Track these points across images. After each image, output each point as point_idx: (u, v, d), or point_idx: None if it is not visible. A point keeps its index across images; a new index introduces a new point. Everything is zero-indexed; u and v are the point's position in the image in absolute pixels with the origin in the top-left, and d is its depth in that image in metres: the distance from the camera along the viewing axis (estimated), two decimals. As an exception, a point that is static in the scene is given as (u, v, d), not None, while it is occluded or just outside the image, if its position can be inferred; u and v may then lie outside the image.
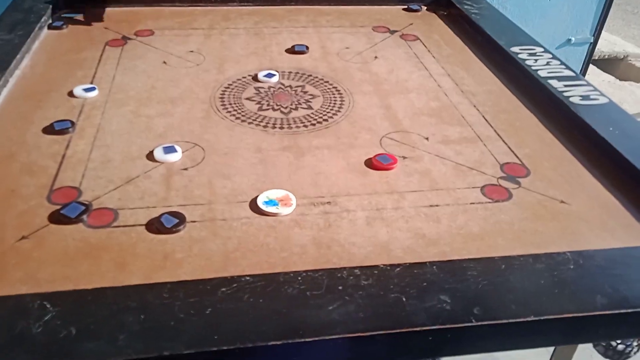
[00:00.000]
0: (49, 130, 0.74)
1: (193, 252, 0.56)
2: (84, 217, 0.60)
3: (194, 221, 0.60)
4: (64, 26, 1.03)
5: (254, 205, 0.63)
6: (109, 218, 0.60)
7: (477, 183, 0.68)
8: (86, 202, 0.62)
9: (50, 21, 1.04)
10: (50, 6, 1.06)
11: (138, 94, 0.84)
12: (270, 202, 0.63)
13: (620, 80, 3.34)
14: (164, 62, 0.95)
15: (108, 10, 1.12)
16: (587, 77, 2.76)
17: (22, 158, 0.69)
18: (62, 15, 1.08)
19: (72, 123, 0.75)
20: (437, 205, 0.64)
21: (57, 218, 0.59)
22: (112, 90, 0.85)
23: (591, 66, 2.92)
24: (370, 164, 0.71)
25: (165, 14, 1.12)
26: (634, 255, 0.55)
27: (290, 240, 0.58)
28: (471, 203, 0.65)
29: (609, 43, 3.73)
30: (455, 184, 0.68)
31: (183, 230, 0.59)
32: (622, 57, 3.64)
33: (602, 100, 0.82)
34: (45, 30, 1.01)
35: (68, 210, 0.60)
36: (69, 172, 0.67)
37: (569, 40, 2.71)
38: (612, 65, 3.61)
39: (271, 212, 0.61)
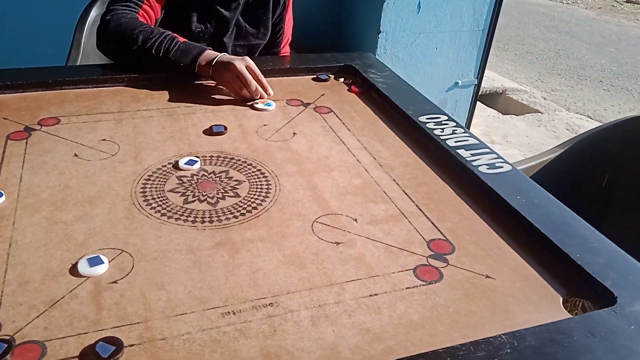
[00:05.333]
0: (-47, 251, 0.67)
1: (137, 383, 0.53)
2: (8, 357, 0.54)
3: (132, 345, 0.57)
4: (-44, 120, 0.95)
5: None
6: (36, 354, 0.55)
7: (409, 265, 0.71)
8: (7, 338, 0.57)
9: (-62, 115, 0.95)
10: (-63, 98, 0.97)
11: (51, 196, 0.79)
12: None
13: (503, 114, 3.67)
14: (75, 155, 0.90)
15: (5, 97, 1.05)
16: (474, 113, 3.00)
17: None
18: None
19: (-21, 240, 0.69)
20: (376, 294, 0.66)
21: (-25, 363, 0.53)
22: (21, 193, 0.79)
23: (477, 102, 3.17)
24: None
25: (69, 98, 1.07)
26: (559, 331, 0.60)
27: (238, 353, 0.57)
28: (407, 288, 0.67)
29: (489, 79, 4.09)
30: (389, 268, 0.70)
31: (121, 357, 0.55)
32: (501, 91, 4.01)
33: (506, 167, 0.90)
34: None
35: (-12, 352, 0.54)
36: (-17, 301, 0.61)
37: (457, 83, 2.95)
38: (493, 99, 3.95)
39: None
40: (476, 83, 3.01)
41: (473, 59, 2.91)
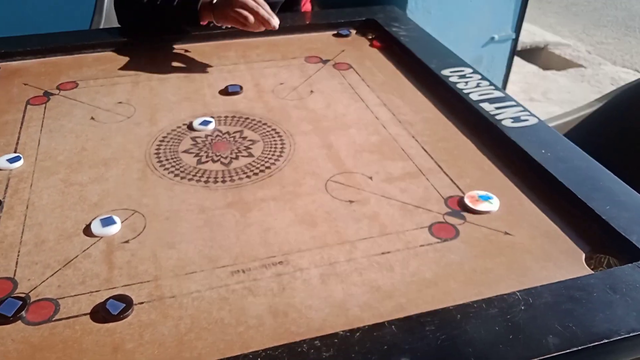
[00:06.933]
0: (-27, 213, 0.69)
1: (144, 339, 0.54)
2: (23, 313, 0.56)
3: (142, 302, 0.58)
4: (-22, 87, 0.97)
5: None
6: (49, 311, 0.57)
7: (424, 222, 0.69)
8: (23, 295, 0.58)
9: (-38, 82, 0.97)
10: (-39, 66, 0.99)
11: (67, 159, 0.80)
12: None
13: (544, 69, 3.51)
14: (92, 118, 0.90)
15: (26, 63, 1.06)
16: (512, 69, 2.88)
17: (-55, 250, 0.64)
18: (-25, 74, 1.01)
19: (-1, 202, 0.71)
20: (388, 252, 0.64)
21: (-9, 318, 0.55)
22: (39, 157, 0.80)
23: (515, 58, 3.04)
24: (317, 213, 0.70)
25: (88, 62, 1.07)
26: (577, 287, 0.57)
27: (246, 311, 0.57)
28: (421, 245, 0.65)
29: (529, 33, 3.90)
30: (403, 226, 0.68)
31: (131, 314, 0.56)
32: (543, 46, 3.82)
33: (532, 120, 0.85)
34: (-42, 93, 0.95)
35: (4, 308, 0.56)
36: (1, 260, 0.63)
37: (493, 38, 2.82)
38: (534, 55, 3.77)
39: None
40: (514, 37, 2.87)
41: (510, 11, 2.77)
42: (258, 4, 1.01)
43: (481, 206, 0.71)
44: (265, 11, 1.01)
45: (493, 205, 0.71)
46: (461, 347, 0.50)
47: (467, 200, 0.71)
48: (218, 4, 1.04)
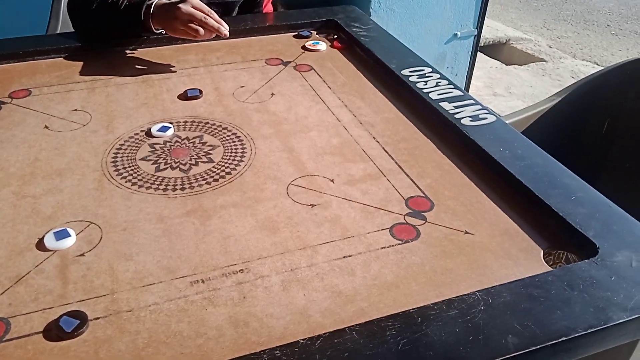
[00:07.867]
0: None
1: (100, 356, 0.52)
2: (-30, 335, 0.54)
3: (97, 318, 0.56)
4: None
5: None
6: (-1, 331, 0.55)
7: (385, 224, 0.69)
8: (-30, 316, 0.56)
9: None
10: None
11: (20, 170, 0.77)
12: None
13: (506, 64, 3.57)
14: (46, 127, 0.87)
15: (-26, 71, 1.02)
16: (475, 65, 2.92)
17: None
18: None
19: (-56, 218, 0.68)
20: (350, 256, 0.64)
21: (-64, 342, 0.53)
22: (-11, 169, 0.77)
23: (478, 54, 3.08)
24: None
25: (41, 69, 1.04)
26: (535, 285, 0.57)
27: (205, 322, 0.56)
28: (382, 247, 0.65)
29: (492, 29, 3.97)
30: (365, 229, 0.68)
31: (86, 331, 0.54)
32: (505, 41, 3.89)
33: (490, 118, 0.86)
34: None
35: (-51, 331, 0.54)
36: (-53, 280, 0.60)
37: (455, 34, 2.85)
38: (496, 50, 3.84)
39: None
40: (476, 34, 2.90)
41: (472, 8, 2.80)
42: (205, 12, 0.99)
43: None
44: (214, 20, 1.00)
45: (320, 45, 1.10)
46: (422, 351, 0.50)
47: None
48: (159, 16, 1.01)
